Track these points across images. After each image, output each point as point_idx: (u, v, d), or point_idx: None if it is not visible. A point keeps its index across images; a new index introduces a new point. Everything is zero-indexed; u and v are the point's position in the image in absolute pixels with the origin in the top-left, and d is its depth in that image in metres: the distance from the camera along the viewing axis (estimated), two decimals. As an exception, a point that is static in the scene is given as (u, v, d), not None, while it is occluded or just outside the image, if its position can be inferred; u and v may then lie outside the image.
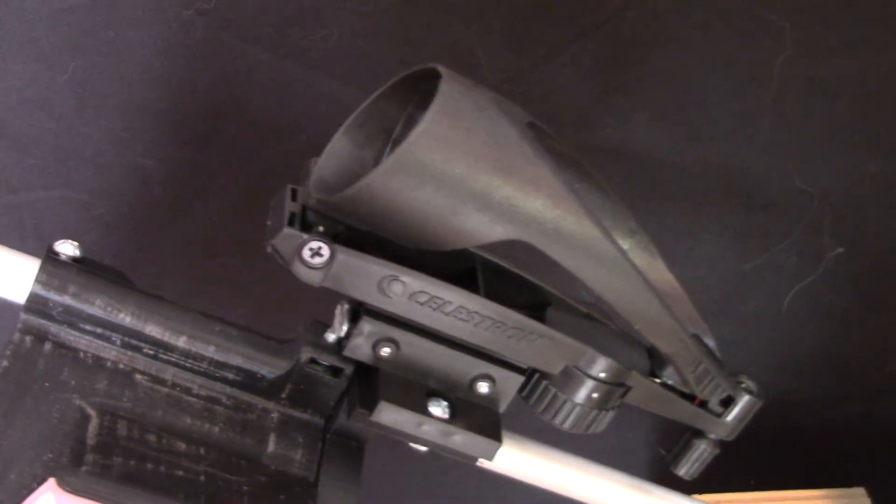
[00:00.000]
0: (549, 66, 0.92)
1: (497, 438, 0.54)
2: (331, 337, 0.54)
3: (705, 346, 0.58)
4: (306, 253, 0.49)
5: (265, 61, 0.90)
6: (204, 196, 0.94)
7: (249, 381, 0.55)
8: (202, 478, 0.49)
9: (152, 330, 0.53)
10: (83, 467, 0.46)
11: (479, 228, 0.48)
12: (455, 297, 0.51)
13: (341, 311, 0.54)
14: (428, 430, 0.54)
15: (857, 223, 1.01)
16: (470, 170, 0.47)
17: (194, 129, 0.92)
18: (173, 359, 0.54)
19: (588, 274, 0.50)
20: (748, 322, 1.05)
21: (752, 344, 1.06)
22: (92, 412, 0.50)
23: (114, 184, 0.94)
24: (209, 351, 0.54)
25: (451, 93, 0.48)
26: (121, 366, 0.53)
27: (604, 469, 0.60)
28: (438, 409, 0.54)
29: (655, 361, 0.58)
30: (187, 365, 0.54)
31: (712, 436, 0.60)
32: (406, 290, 0.51)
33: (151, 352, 0.53)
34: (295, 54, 0.90)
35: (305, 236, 0.49)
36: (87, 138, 0.91)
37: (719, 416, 0.59)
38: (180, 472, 0.49)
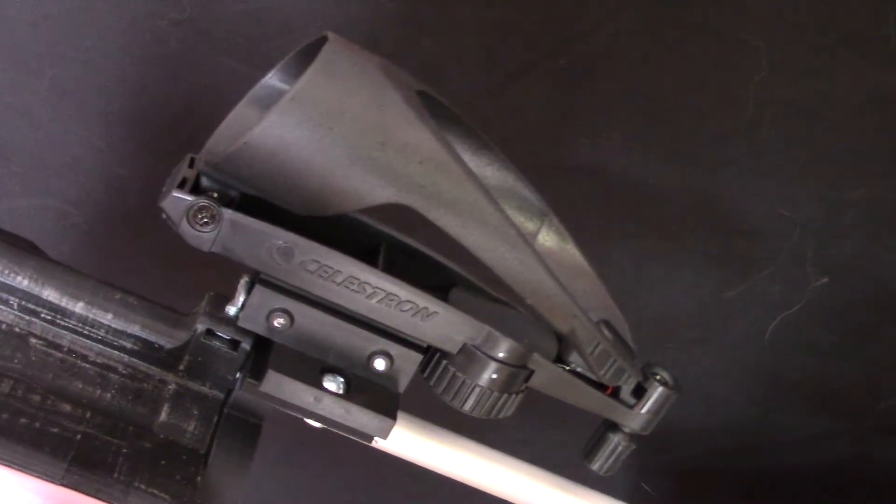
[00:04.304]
0: (521, 84, 0.92)
1: (392, 416, 0.54)
2: (230, 310, 0.54)
3: (614, 332, 0.57)
4: (192, 215, 0.49)
5: (239, 72, 0.91)
6: (180, 207, 0.95)
7: (147, 351, 0.55)
8: (78, 437, 0.49)
9: (50, 294, 0.53)
10: (-53, 415, 0.46)
11: (359, 190, 0.48)
12: (345, 266, 0.51)
13: (241, 283, 0.54)
14: (320, 404, 0.53)
15: (842, 252, 0.99)
16: (349, 130, 0.47)
17: (170, 139, 0.93)
18: (71, 325, 0.54)
19: (471, 241, 0.49)
20: (730, 353, 1.03)
21: (735, 375, 1.04)
22: (-23, 370, 0.50)
23: (92, 192, 0.95)
24: (107, 318, 0.54)
25: (332, 55, 0.48)
26: (16, 329, 0.53)
27: (504, 457, 0.59)
28: (333, 384, 0.53)
29: (563, 347, 0.57)
30: (85, 332, 0.54)
31: (627, 429, 0.59)
32: (295, 258, 0.50)
33: (49, 317, 0.53)
34: (270, 65, 0.90)
35: (192, 198, 0.49)
36: (66, 147, 0.93)
37: (631, 407, 0.58)
38: (55, 430, 0.49)
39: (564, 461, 0.91)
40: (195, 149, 0.91)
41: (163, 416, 0.53)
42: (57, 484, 0.47)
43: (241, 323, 0.53)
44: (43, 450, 0.47)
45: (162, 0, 0.88)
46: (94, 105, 0.92)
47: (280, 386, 0.52)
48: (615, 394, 0.57)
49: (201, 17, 0.89)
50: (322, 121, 0.47)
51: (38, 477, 0.47)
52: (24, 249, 0.54)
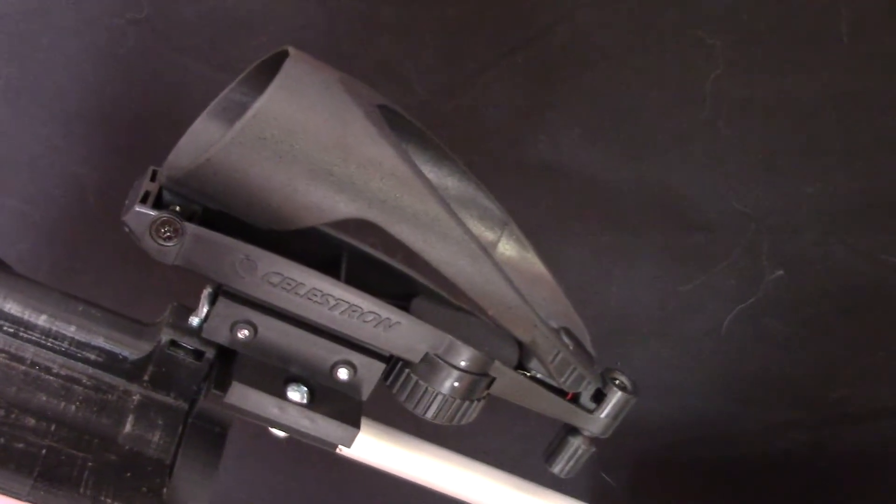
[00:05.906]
0: (480, 82, 0.93)
1: (355, 425, 0.54)
2: (194, 321, 0.54)
3: (574, 339, 0.58)
4: (155, 229, 0.49)
5: (198, 71, 0.91)
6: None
7: (111, 363, 0.55)
8: (43, 451, 0.49)
9: (12, 308, 0.53)
10: None
11: (321, 206, 0.48)
12: (308, 278, 0.51)
13: (204, 295, 0.54)
14: (284, 414, 0.53)
15: (796, 246, 1.00)
16: (310, 146, 0.47)
17: (128, 138, 0.93)
18: (34, 338, 0.54)
19: (433, 254, 0.50)
20: (688, 344, 1.04)
21: (693, 367, 1.05)
22: (-61, 386, 0.50)
23: (50, 191, 0.95)
24: (70, 330, 0.54)
25: (293, 71, 0.48)
26: None
27: (467, 461, 0.60)
28: (297, 394, 0.54)
29: (524, 354, 0.57)
30: (48, 344, 0.54)
31: (586, 433, 0.60)
32: (258, 271, 0.51)
33: (11, 330, 0.53)
34: (227, 65, 0.91)
35: (154, 213, 0.49)
36: (24, 146, 0.92)
37: (591, 412, 0.59)
38: (20, 445, 0.49)
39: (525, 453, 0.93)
40: (153, 146, 0.91)
41: (128, 427, 0.54)
42: (23, 501, 0.47)
43: (204, 334, 0.53)
44: (8, 466, 0.47)
45: (119, -1, 0.88)
46: (51, 104, 0.91)
47: (244, 397, 0.53)
48: (575, 399, 0.58)
49: (158, 16, 0.89)
50: (284, 138, 0.47)
51: (3, 494, 0.47)
52: (-15, 263, 0.54)
